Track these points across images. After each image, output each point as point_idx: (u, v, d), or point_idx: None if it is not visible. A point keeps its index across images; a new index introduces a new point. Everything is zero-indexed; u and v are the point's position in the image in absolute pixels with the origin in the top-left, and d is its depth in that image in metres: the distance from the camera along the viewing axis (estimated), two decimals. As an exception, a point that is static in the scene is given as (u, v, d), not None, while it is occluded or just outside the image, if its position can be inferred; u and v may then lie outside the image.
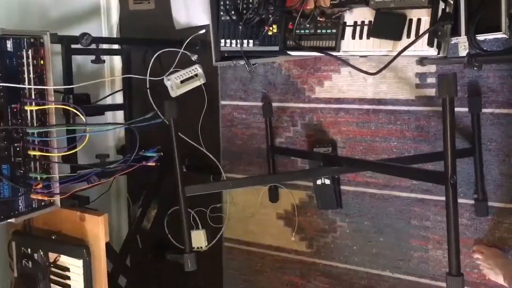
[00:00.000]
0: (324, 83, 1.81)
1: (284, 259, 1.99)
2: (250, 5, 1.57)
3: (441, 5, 1.30)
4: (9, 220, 1.38)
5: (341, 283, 1.89)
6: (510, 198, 1.58)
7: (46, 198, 1.43)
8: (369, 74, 1.41)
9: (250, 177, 2.00)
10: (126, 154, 1.84)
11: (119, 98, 2.09)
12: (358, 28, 1.41)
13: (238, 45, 1.61)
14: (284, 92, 1.89)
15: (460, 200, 1.64)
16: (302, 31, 1.49)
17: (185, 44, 1.93)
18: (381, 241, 1.79)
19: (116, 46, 2.06)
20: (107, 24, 2.18)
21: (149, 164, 1.57)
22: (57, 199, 1.46)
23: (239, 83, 1.98)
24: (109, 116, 2.06)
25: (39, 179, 1.41)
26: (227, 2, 1.62)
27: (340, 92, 1.79)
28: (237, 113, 2.00)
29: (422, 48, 1.30)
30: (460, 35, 1.38)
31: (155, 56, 1.99)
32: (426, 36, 1.29)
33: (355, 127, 1.78)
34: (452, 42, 1.37)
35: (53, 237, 1.56)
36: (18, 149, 1.38)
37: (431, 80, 1.65)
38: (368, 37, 1.39)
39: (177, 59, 1.96)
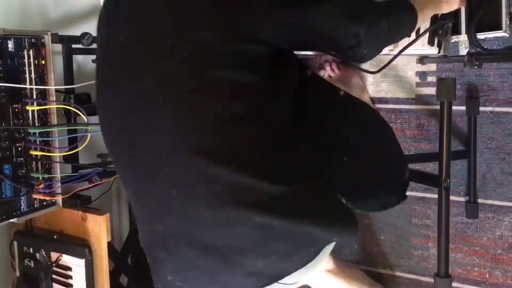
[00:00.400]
0: (325, 82, 1.82)
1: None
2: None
3: (442, 4, 1.30)
4: (11, 220, 1.38)
5: (342, 281, 1.89)
6: (510, 196, 1.58)
7: (48, 198, 1.43)
8: (370, 73, 1.41)
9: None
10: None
11: (119, 98, 2.09)
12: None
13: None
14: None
15: (460, 199, 1.65)
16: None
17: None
18: (381, 239, 1.80)
19: (116, 46, 2.06)
20: (108, 23, 2.18)
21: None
22: (59, 198, 1.46)
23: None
24: (109, 115, 2.06)
25: (40, 179, 1.41)
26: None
27: (341, 91, 1.79)
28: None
29: (423, 47, 1.31)
30: (460, 34, 1.38)
31: (155, 55, 1.98)
32: (427, 35, 1.29)
33: (356, 125, 1.78)
34: (453, 40, 1.38)
35: (55, 237, 1.56)
36: (19, 149, 1.38)
37: (431, 78, 1.65)
38: None
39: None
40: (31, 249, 1.59)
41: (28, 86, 1.38)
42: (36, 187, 1.40)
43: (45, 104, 1.42)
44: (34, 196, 1.41)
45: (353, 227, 1.01)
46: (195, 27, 0.88)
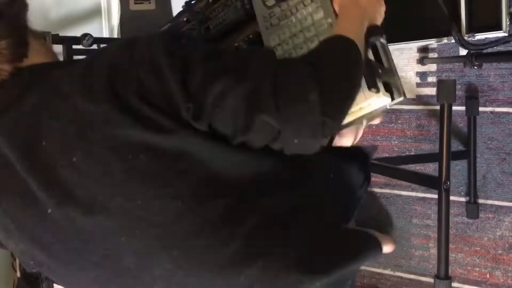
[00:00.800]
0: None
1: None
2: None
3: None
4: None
5: (342, 281, 1.89)
6: (511, 196, 1.58)
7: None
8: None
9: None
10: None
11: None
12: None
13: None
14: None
15: (461, 199, 1.65)
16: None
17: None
18: (382, 239, 1.80)
19: (117, 47, 2.06)
20: (108, 24, 2.18)
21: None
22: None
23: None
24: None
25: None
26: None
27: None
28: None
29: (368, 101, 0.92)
30: (460, 34, 1.38)
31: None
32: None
33: (356, 126, 1.79)
34: (453, 41, 1.38)
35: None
36: (20, 149, 1.38)
37: (431, 79, 1.65)
38: None
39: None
40: (31, 250, 1.59)
41: (28, 87, 1.38)
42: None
43: (45, 105, 1.42)
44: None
45: (376, 244, 1.02)
46: None
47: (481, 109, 1.57)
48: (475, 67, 1.43)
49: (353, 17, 0.89)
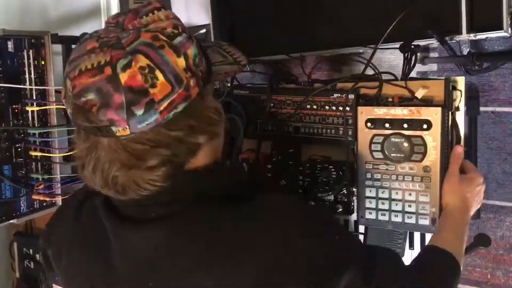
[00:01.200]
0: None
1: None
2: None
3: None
4: (10, 221, 1.38)
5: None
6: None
7: (47, 199, 1.42)
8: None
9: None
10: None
11: (119, 98, 2.09)
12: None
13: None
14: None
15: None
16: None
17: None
18: (382, 240, 1.79)
19: (116, 46, 2.06)
20: (108, 24, 2.18)
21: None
22: (58, 199, 1.46)
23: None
24: (109, 116, 2.06)
25: (40, 179, 1.41)
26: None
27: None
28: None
29: None
30: (461, 34, 1.38)
31: (155, 56, 1.98)
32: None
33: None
34: (454, 40, 1.38)
35: (54, 238, 1.56)
36: (19, 149, 1.38)
37: (433, 78, 1.64)
38: None
39: (177, 59, 1.96)
40: (31, 250, 1.59)
41: (28, 87, 1.38)
42: (36, 188, 1.39)
43: (44, 105, 1.41)
44: (34, 197, 1.40)
45: None
46: None
47: (482, 109, 1.57)
48: (476, 67, 1.43)
49: (460, 229, 1.02)
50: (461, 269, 0.95)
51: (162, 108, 0.68)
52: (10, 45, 1.34)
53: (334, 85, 1.21)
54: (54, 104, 1.44)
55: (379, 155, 1.12)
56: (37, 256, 1.57)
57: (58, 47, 1.56)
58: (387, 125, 1.11)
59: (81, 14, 2.04)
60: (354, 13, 1.51)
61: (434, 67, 1.63)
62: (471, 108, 1.57)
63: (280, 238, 0.72)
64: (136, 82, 0.67)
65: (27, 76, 1.38)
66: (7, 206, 1.36)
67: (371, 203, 1.15)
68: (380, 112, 1.11)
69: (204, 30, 1.98)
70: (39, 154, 1.39)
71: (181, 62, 0.70)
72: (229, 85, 1.32)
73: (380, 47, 1.25)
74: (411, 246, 1.20)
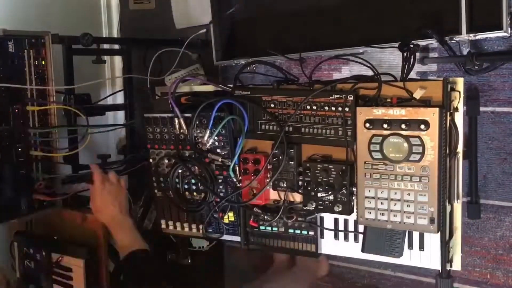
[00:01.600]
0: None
1: (286, 258, 1.99)
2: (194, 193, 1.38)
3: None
4: (11, 221, 1.38)
5: (342, 282, 1.89)
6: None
7: (48, 199, 1.43)
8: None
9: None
10: (127, 154, 1.85)
11: (120, 98, 2.09)
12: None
13: (184, 229, 1.47)
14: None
15: (462, 199, 1.64)
16: (269, 229, 1.36)
17: (185, 44, 1.93)
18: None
19: (116, 46, 2.06)
20: (108, 24, 2.18)
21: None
22: (58, 199, 1.46)
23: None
24: (110, 116, 2.06)
25: (41, 179, 1.41)
26: (160, 179, 1.44)
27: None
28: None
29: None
30: (461, 34, 1.38)
31: (155, 56, 1.99)
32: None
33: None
34: (454, 40, 1.38)
35: (55, 238, 1.56)
36: (20, 149, 1.38)
37: (432, 78, 1.64)
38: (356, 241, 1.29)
39: (177, 59, 1.96)
40: (31, 250, 1.59)
41: (28, 87, 1.38)
42: (36, 188, 1.40)
43: (45, 105, 1.42)
44: (34, 196, 1.40)
45: None
46: None
47: (481, 109, 1.57)
48: (475, 67, 1.43)
49: None
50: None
51: None
52: (10, 45, 1.35)
53: (333, 86, 1.21)
54: (55, 104, 1.44)
55: (378, 155, 1.13)
56: (37, 255, 1.57)
57: (58, 47, 1.56)
58: (385, 125, 1.11)
59: (81, 14, 2.04)
60: (354, 13, 1.51)
61: (433, 67, 1.63)
62: (471, 108, 1.57)
63: None
64: None
65: (27, 76, 1.38)
66: (7, 206, 1.36)
67: (370, 203, 1.15)
68: (378, 112, 1.12)
69: (204, 30, 1.99)
70: (39, 154, 1.40)
71: None
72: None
73: (380, 47, 1.25)
74: (410, 245, 1.21)
